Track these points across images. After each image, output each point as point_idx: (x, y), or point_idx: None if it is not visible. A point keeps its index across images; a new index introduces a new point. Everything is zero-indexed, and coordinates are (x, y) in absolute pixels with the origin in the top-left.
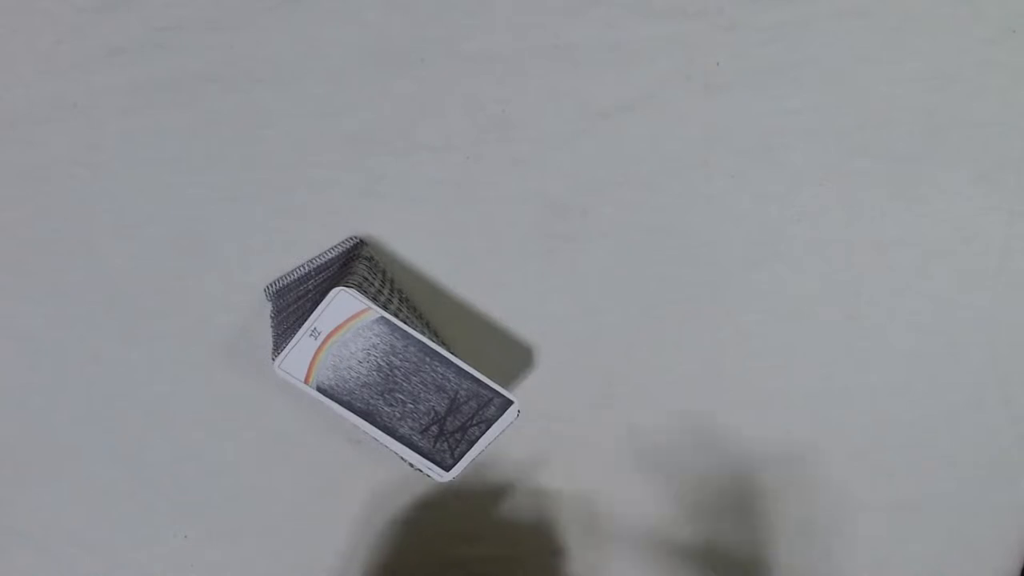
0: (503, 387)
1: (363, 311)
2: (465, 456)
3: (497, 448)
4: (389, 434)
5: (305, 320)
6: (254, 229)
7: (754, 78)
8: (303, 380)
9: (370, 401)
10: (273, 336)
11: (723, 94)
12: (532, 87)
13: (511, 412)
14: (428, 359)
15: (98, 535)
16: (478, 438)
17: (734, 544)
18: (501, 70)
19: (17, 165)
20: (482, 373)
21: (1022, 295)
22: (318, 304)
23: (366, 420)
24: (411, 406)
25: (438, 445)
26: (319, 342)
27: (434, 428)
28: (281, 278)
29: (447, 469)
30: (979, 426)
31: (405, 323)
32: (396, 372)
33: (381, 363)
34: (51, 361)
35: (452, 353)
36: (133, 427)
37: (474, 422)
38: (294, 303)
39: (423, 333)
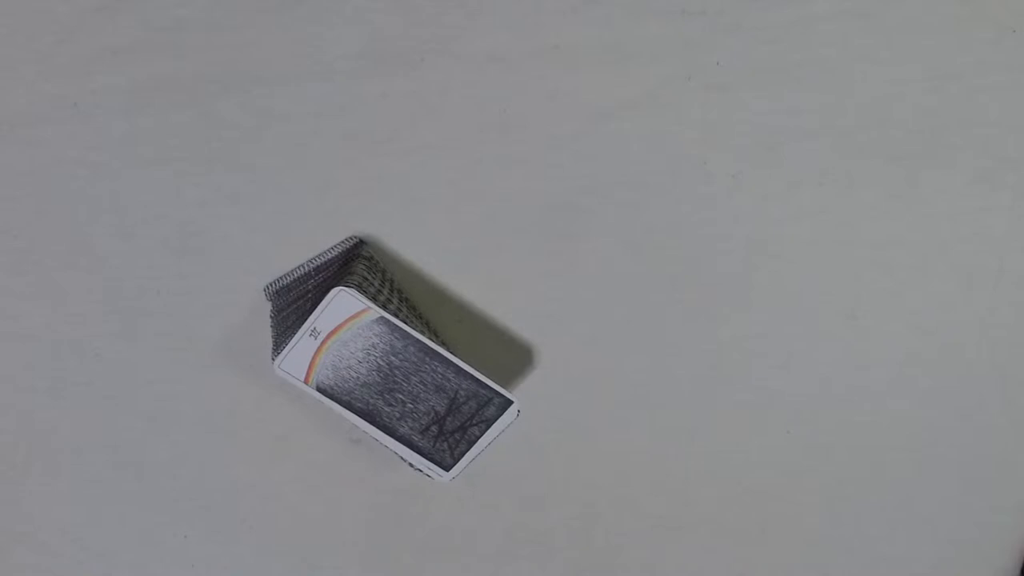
0: (503, 387)
1: (363, 311)
2: (465, 456)
3: (496, 448)
4: (389, 434)
5: (305, 320)
6: (254, 229)
7: (754, 78)
8: (303, 380)
9: (370, 401)
10: (273, 336)
11: (723, 94)
12: (532, 87)
13: (511, 412)
14: (428, 359)
15: (98, 535)
16: (478, 438)
17: (733, 545)
18: (501, 70)
19: (17, 165)
20: (482, 373)
21: (1022, 295)
22: (318, 304)
23: (366, 420)
24: (411, 406)
25: (438, 445)
26: (319, 342)
27: (434, 428)
28: (281, 278)
29: (447, 469)
30: (979, 426)
31: (405, 323)
32: (396, 372)
33: (381, 363)
34: (51, 361)
35: (452, 353)
36: (133, 427)
37: (474, 422)
38: (294, 303)
39: (423, 333)
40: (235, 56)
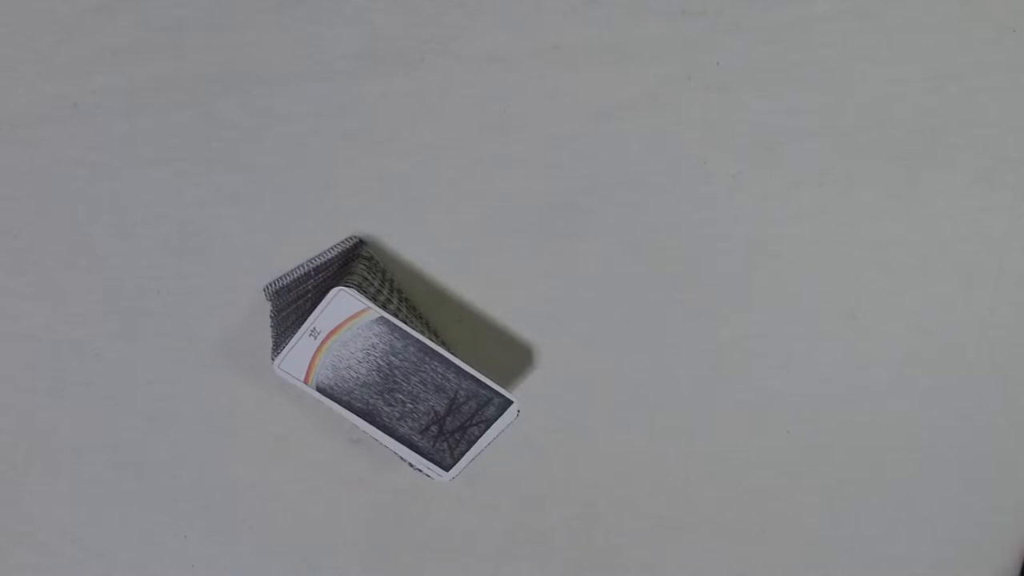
0: (503, 387)
1: (363, 311)
2: (465, 456)
3: (496, 448)
4: (389, 434)
5: (305, 320)
6: (254, 229)
7: (754, 78)
8: (303, 380)
9: (370, 401)
10: (273, 336)
11: (723, 94)
12: (532, 87)
13: (511, 412)
14: (428, 359)
15: (98, 535)
16: (478, 438)
17: (733, 545)
18: (501, 70)
19: (17, 165)
20: (482, 373)
21: (1022, 295)
22: (318, 304)
23: (366, 420)
24: (410, 406)
25: (437, 445)
26: (319, 342)
27: (433, 428)
28: (281, 278)
29: (447, 469)
30: (979, 426)
31: (405, 323)
32: (396, 372)
33: (380, 363)
34: (51, 361)
35: (452, 353)
36: (133, 427)
37: (474, 422)
38: (294, 303)
39: (423, 333)
40: (235, 56)
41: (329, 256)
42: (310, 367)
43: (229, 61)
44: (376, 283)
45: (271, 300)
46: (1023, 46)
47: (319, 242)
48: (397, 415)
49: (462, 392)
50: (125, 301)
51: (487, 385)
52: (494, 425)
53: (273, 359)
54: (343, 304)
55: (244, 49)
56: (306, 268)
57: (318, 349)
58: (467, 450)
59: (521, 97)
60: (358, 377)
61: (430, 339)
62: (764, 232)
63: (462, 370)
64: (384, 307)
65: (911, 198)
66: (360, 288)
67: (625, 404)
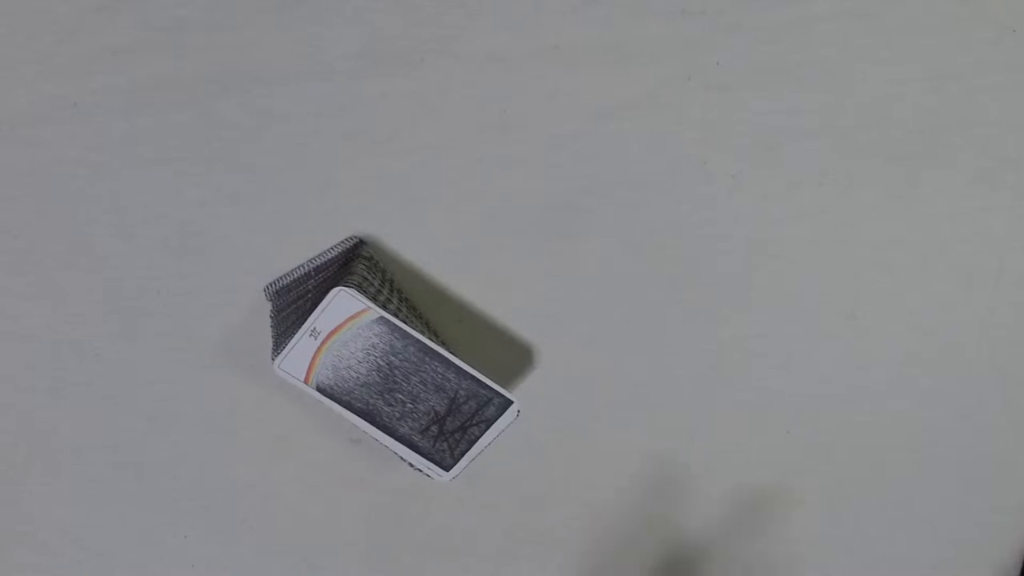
0: (503, 387)
1: (363, 311)
2: (465, 456)
3: (496, 448)
4: (389, 434)
5: (305, 320)
6: (254, 229)
7: (754, 78)
8: (303, 380)
9: (370, 401)
10: (273, 336)
11: (723, 94)
12: (532, 87)
13: (511, 412)
14: (428, 359)
15: (98, 535)
16: (478, 438)
17: (733, 545)
18: (501, 70)
19: (17, 165)
20: (482, 373)
21: (1022, 295)
22: (318, 304)
23: (366, 420)
24: (411, 406)
25: (438, 445)
26: (319, 342)
27: (434, 428)
28: (281, 278)
29: (447, 469)
30: (979, 426)
31: (405, 323)
32: (396, 372)
33: (381, 363)
34: (51, 361)
35: (452, 353)
36: (133, 427)
37: (474, 422)
38: (294, 303)
39: (423, 333)
40: (235, 56)
41: (329, 256)
42: (310, 367)
43: (229, 61)
44: (376, 283)
45: (271, 300)
46: (1023, 46)
47: (319, 242)
48: (397, 415)
49: (462, 392)
50: (125, 301)
51: (487, 385)
52: (494, 425)
53: (273, 359)
54: (343, 304)
55: (244, 49)
56: (306, 268)
57: (318, 349)
58: (467, 450)
59: (521, 97)
60: (358, 377)
61: (430, 339)
62: (764, 232)
63: (462, 370)
64: (384, 307)
65: (911, 198)
66: (360, 288)
67: (625, 404)
